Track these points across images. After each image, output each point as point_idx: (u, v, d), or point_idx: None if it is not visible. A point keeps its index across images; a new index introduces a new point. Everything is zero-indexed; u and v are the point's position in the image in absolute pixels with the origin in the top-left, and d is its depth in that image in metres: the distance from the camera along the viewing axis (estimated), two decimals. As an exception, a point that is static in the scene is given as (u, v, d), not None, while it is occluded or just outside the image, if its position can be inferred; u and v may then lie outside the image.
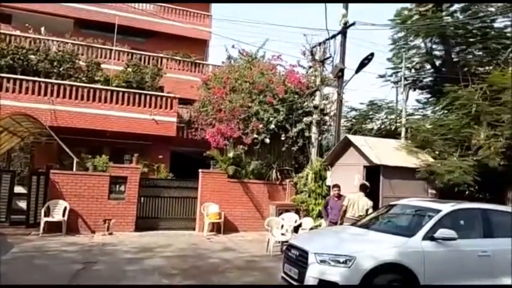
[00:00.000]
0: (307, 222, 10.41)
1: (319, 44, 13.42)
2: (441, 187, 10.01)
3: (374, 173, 9.80)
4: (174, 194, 12.54)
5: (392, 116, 15.39)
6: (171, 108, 16.59)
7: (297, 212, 11.84)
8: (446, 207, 6.31)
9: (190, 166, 13.56)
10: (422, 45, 14.26)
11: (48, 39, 17.41)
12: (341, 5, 12.33)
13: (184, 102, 17.76)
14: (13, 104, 13.99)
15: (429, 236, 5.81)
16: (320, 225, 10.25)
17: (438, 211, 6.23)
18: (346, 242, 6.15)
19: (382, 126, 15.62)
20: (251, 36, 36.77)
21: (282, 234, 9.95)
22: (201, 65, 21.47)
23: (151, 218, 12.20)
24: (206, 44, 24.45)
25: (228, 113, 13.28)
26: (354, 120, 16.41)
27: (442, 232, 5.77)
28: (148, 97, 16.19)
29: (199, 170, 12.73)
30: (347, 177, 10.18)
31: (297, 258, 5.94)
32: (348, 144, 10.88)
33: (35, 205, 10.89)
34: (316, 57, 13.63)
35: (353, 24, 12.00)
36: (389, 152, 10.44)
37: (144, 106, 16.05)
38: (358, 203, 8.21)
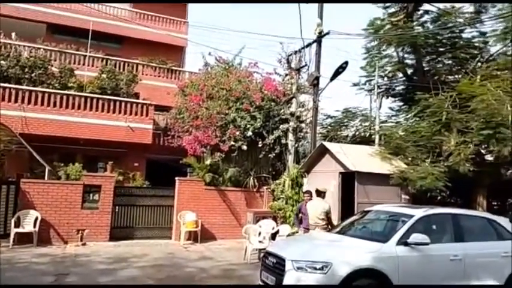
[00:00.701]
0: (285, 229, 10.45)
1: (295, 52, 13.60)
2: (414, 192, 10.27)
3: (350, 179, 9.96)
4: (150, 203, 12.34)
5: (367, 123, 15.70)
6: (147, 115, 16.39)
7: (275, 219, 11.89)
8: (418, 213, 6.48)
9: (167, 174, 13.42)
10: (395, 54, 14.65)
11: (19, 45, 16.94)
12: (316, 13, 12.53)
13: (161, 109, 17.59)
14: (-19, 111, 13.51)
15: (403, 241, 5.94)
16: (297, 232, 10.29)
17: (411, 216, 6.39)
18: (322, 248, 6.21)
19: (357, 133, 15.92)
20: (228, 44, 36.96)
21: (260, 241, 9.95)
22: (178, 72, 21.37)
23: (126, 228, 11.96)
24: (182, 51, 24.36)
25: (205, 120, 13.24)
26: (329, 127, 16.65)
27: (415, 237, 5.92)
28: (123, 104, 15.96)
29: (176, 178, 12.60)
30: (323, 183, 10.26)
31: (274, 266, 5.96)
32: (324, 151, 11.03)
33: (4, 215, 10.50)
34: (292, 65, 13.81)
35: (327, 33, 12.22)
36: (364, 159, 10.64)
37: (119, 113, 15.81)
38: (312, 210, 8.30)
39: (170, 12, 23.35)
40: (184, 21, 23.96)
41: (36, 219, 10.33)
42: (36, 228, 10.22)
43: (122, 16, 22.14)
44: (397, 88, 15.46)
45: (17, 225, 10.08)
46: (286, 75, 14.44)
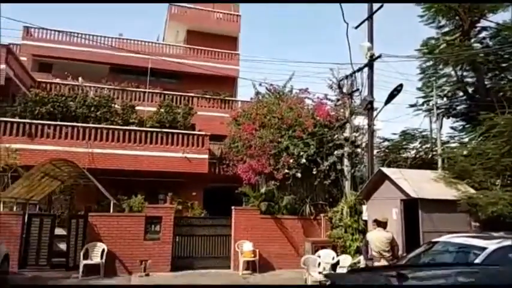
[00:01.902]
0: (345, 259, 10.12)
1: (346, 76, 13.44)
2: (485, 219, 9.52)
3: (412, 207, 9.47)
4: (208, 232, 12.54)
5: (427, 145, 15.00)
6: (203, 145, 16.95)
7: (334, 248, 11.52)
8: (492, 245, 5.98)
9: (223, 202, 13.62)
10: (453, 73, 14.01)
11: (85, 86, 18.39)
12: (366, 38, 12.40)
13: (215, 138, 18.11)
14: (54, 149, 14.73)
15: (476, 277, 5.48)
16: (359, 262, 9.92)
17: (484, 249, 5.90)
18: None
19: (417, 156, 15.21)
20: (277, 74, 37.74)
21: (320, 272, 9.69)
22: (230, 102, 22.00)
23: (186, 258, 12.19)
24: (234, 81, 25.08)
25: (259, 149, 13.36)
26: (387, 150, 16.09)
27: (489, 272, 5.44)
28: (180, 136, 16.66)
29: (232, 207, 12.73)
30: (384, 211, 9.86)
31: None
32: (382, 177, 10.61)
33: (74, 248, 11.16)
34: (344, 90, 13.63)
35: (379, 56, 11.99)
36: (427, 184, 10.09)
37: (177, 145, 16.51)
38: (375, 240, 7.91)
39: (222, 45, 24.31)
40: (235, 53, 24.77)
41: (103, 251, 10.86)
42: (103, 260, 10.73)
43: (177, 53, 23.40)
44: (458, 107, 14.71)
45: (86, 257, 10.64)
46: (338, 100, 14.29)
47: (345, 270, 9.67)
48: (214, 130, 17.99)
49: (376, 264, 7.74)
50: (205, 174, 16.87)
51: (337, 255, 10.73)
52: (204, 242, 12.45)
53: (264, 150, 13.27)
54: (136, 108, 17.84)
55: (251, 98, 17.34)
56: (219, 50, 24.06)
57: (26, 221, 11.01)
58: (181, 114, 17.74)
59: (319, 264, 9.98)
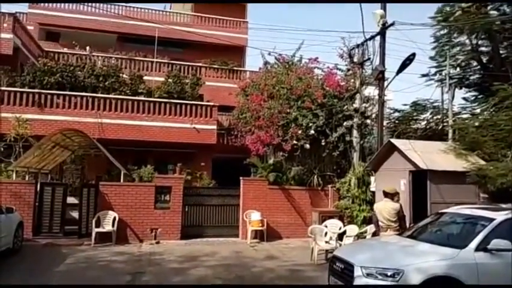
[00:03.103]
0: (352, 229, 10.20)
1: (357, 46, 13.14)
2: (493, 191, 9.47)
3: (421, 178, 9.45)
4: (217, 202, 12.72)
5: (439, 116, 14.77)
6: (211, 116, 16.91)
7: (341, 218, 11.63)
8: (500, 216, 5.97)
9: (232, 172, 13.72)
10: (467, 42, 13.58)
11: (93, 55, 18.26)
12: (378, 5, 12.02)
13: (224, 109, 18.04)
14: (63, 119, 14.82)
15: (482, 247, 5.51)
16: (365, 232, 10.02)
17: (491, 220, 5.90)
18: (393, 254, 5.95)
19: (428, 127, 15.03)
20: (287, 43, 36.79)
21: (326, 242, 9.82)
22: (239, 72, 21.76)
23: (195, 226, 12.43)
24: (243, 51, 24.71)
25: (267, 120, 13.30)
26: (397, 121, 15.91)
27: (496, 243, 5.46)
28: (188, 106, 16.61)
29: (241, 178, 12.82)
30: (392, 182, 9.83)
31: (343, 271, 5.84)
32: (391, 149, 10.56)
33: (86, 216, 11.41)
34: (355, 59, 13.36)
35: (392, 24, 11.65)
36: (436, 156, 10.02)
37: (185, 115, 16.49)
38: (384, 210, 7.93)
39: (230, 13, 23.79)
40: (243, 21, 24.28)
41: (114, 219, 11.10)
42: (115, 228, 10.99)
43: (184, 21, 22.99)
44: (471, 78, 14.36)
45: (98, 225, 10.90)
46: (349, 70, 14.02)
47: (351, 240, 9.79)
48: (223, 101, 17.90)
49: (383, 234, 7.81)
50: (213, 145, 16.93)
51: (344, 225, 10.84)
52: (213, 212, 12.65)
53: (272, 121, 13.21)
54: (144, 78, 17.74)
55: (259, 68, 17.10)
56: (227, 18, 23.59)
57: (38, 189, 11.23)
58: (189, 84, 17.63)
59: (326, 233, 10.09)
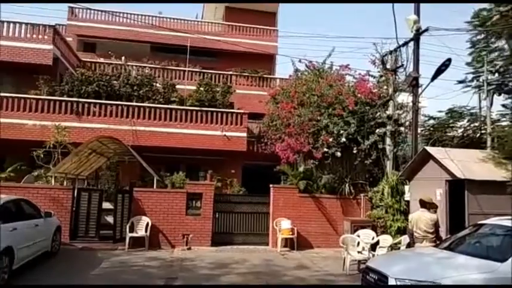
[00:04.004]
0: (386, 239, 9.94)
1: (390, 52, 12.91)
2: (537, 202, 9.00)
3: (458, 188, 9.12)
4: (247, 209, 12.74)
5: (476, 124, 14.23)
6: (241, 124, 17.03)
7: (374, 228, 11.36)
8: (545, 229, 5.66)
9: (261, 180, 13.72)
10: (506, 46, 13.06)
11: (128, 65, 18.85)
12: (412, 10, 11.78)
13: (254, 117, 18.12)
14: (100, 126, 15.33)
15: (525, 262, 5.24)
16: (400, 243, 9.74)
17: (535, 233, 5.61)
18: (429, 266, 5.76)
19: (465, 135, 14.51)
20: (318, 50, 36.65)
21: (359, 252, 9.63)
22: (269, 80, 21.85)
23: (226, 233, 12.49)
24: (273, 59, 24.81)
25: (297, 127, 13.24)
26: (432, 129, 15.45)
27: (540, 257, 5.19)
28: (219, 114, 16.82)
29: (271, 185, 12.81)
30: (427, 192, 9.54)
31: (376, 283, 5.70)
32: (426, 157, 10.26)
33: (120, 221, 11.69)
34: (388, 66, 13.11)
35: (426, 30, 11.38)
36: (474, 165, 9.65)
37: (216, 123, 16.70)
38: (420, 220, 7.67)
39: (260, 21, 24.00)
40: (273, 30, 24.40)
41: (147, 224, 11.32)
42: (148, 233, 11.20)
43: (216, 31, 23.39)
44: (511, 84, 13.76)
45: (131, 230, 11.15)
46: (381, 76, 13.78)
47: (385, 251, 9.55)
48: (253, 108, 18.00)
49: (418, 245, 7.57)
50: (243, 152, 17.02)
51: (377, 236, 10.58)
52: (243, 219, 12.68)
53: (302, 128, 13.14)
54: (177, 86, 18.12)
55: (290, 76, 17.09)
56: (257, 27, 23.80)
57: (75, 195, 11.62)
58: (220, 92, 17.87)
59: (358, 243, 9.89)
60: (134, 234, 11.09)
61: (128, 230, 11.01)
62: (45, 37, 16.23)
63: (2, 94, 15.08)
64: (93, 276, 8.09)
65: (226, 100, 18.08)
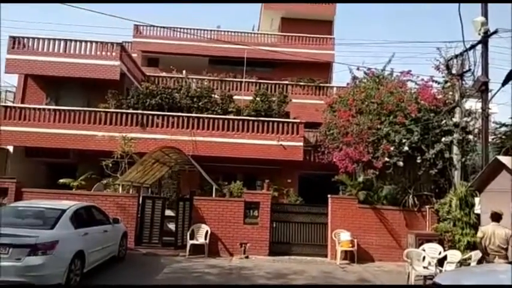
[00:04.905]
0: (454, 255, 9.33)
1: (456, 56, 12.22)
2: None
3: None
4: (304, 220, 12.59)
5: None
6: (298, 133, 16.95)
7: (440, 242, 10.68)
8: None
9: (318, 190, 13.52)
10: None
11: (188, 78, 19.64)
12: (478, 11, 11.10)
13: (310, 126, 17.98)
14: (162, 137, 16.02)
15: None
16: (470, 259, 9.08)
17: None
18: (504, 285, 5.30)
19: (544, 143, 13.28)
20: (377, 56, 35.52)
21: (424, 267, 9.11)
22: (325, 88, 21.61)
23: (283, 243, 12.41)
24: (330, 67, 24.54)
25: (356, 136, 12.91)
26: (504, 137, 14.33)
27: None
28: (275, 124, 16.89)
29: (329, 196, 12.56)
30: (500, 204, 8.86)
31: (446, 301, 5.34)
32: (498, 167, 9.50)
33: (181, 228, 12.08)
34: (453, 70, 12.42)
35: (495, 32, 10.65)
36: (556, 175, 8.78)
37: (272, 132, 16.77)
38: (494, 235, 7.05)
39: (316, 30, 23.93)
40: (330, 38, 24.19)
41: (207, 232, 11.58)
42: (207, 241, 11.45)
43: (272, 41, 23.66)
44: None
45: (192, 237, 11.46)
46: (446, 82, 13.07)
47: (453, 267, 8.96)
48: (309, 117, 17.85)
49: (490, 261, 7.02)
50: (300, 162, 16.89)
51: (445, 250, 9.95)
52: (300, 229, 12.54)
53: (361, 137, 12.79)
54: (234, 97, 18.49)
55: (347, 84, 16.76)
56: (314, 36, 23.73)
57: (140, 202, 12.19)
58: (276, 102, 17.97)
59: (424, 258, 9.36)
60: (195, 242, 11.39)
61: (188, 237, 11.33)
62: (113, 54, 17.37)
63: (76, 108, 16.32)
64: (157, 282, 8.39)
65: (282, 110, 18.12)
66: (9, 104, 18.82)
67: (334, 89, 21.15)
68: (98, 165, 13.84)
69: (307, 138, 18.09)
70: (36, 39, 17.43)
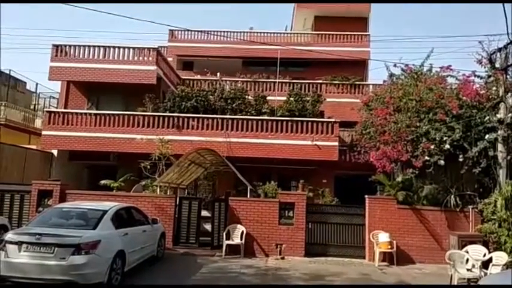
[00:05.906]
0: (500, 257, 8.87)
1: (499, 49, 11.64)
2: None
3: None
4: (341, 221, 12.35)
5: None
6: (332, 132, 16.74)
7: (485, 244, 10.20)
8: None
9: (354, 190, 13.26)
10: None
11: (222, 80, 19.88)
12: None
13: (345, 125, 17.70)
14: (197, 139, 16.29)
15: None
16: (518, 262, 8.62)
17: None
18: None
19: None
20: (415, 52, 34.48)
21: (468, 270, 8.71)
22: (361, 86, 21.22)
23: (319, 244, 12.24)
24: (365, 64, 24.06)
25: (393, 135, 12.55)
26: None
27: None
28: (309, 123, 16.77)
29: (366, 196, 12.29)
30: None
31: (494, 306, 5.08)
32: (549, 165, 8.97)
33: (217, 228, 12.22)
34: (497, 64, 11.83)
35: (544, 21, 10.03)
36: None
37: (306, 133, 16.66)
38: None
39: (350, 27, 23.55)
40: (365, 35, 23.72)
41: (242, 233, 11.63)
42: (243, 241, 11.50)
43: (305, 41, 23.51)
44: None
45: (228, 237, 11.55)
46: (489, 76, 12.46)
47: (499, 270, 8.51)
48: (344, 117, 17.59)
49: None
50: (335, 162, 16.66)
51: (489, 252, 9.48)
52: (337, 230, 12.31)
53: (399, 135, 12.43)
54: (268, 98, 18.51)
55: (384, 81, 16.37)
56: (348, 33, 23.35)
57: (177, 203, 12.43)
58: (309, 102, 17.84)
59: (467, 260, 8.96)
60: (230, 242, 11.47)
61: (224, 237, 11.43)
62: (150, 59, 17.85)
63: (115, 112, 16.91)
64: (194, 281, 8.53)
65: (317, 109, 17.96)
66: (53, 109, 19.78)
67: (370, 86, 20.73)
68: (136, 167, 14.26)
69: (342, 137, 17.82)
70: (77, 47, 18.18)
